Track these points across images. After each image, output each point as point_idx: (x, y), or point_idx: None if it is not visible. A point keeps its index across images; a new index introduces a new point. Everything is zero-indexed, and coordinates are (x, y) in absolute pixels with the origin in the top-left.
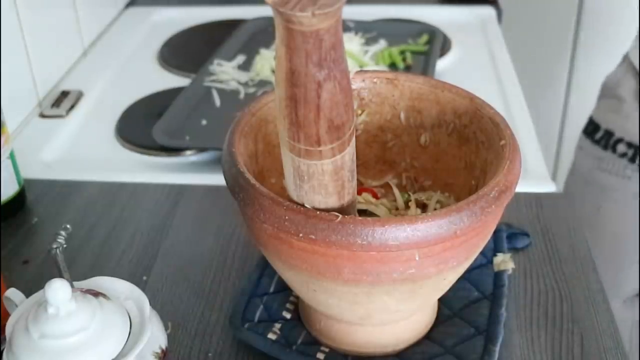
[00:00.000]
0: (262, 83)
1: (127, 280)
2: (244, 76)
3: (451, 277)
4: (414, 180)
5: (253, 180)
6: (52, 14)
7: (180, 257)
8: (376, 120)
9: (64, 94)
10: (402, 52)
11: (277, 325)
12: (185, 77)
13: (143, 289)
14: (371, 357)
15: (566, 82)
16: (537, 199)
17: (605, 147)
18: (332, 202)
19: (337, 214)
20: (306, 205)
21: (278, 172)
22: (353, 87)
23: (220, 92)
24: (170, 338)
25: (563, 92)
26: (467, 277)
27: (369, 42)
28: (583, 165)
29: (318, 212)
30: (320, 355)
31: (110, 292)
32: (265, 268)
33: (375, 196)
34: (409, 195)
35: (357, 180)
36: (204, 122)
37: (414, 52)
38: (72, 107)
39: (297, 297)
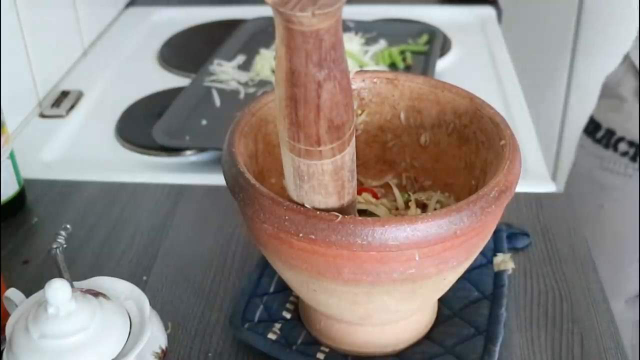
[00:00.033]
0: (262, 83)
1: (127, 280)
2: (244, 76)
3: (451, 277)
4: (414, 180)
5: (253, 180)
6: (52, 14)
7: (180, 257)
8: (376, 120)
9: (64, 94)
10: (402, 52)
11: (277, 325)
12: (185, 77)
13: (143, 289)
14: (371, 357)
15: (566, 82)
16: (537, 199)
17: (606, 146)
18: (332, 202)
19: (337, 214)
20: (306, 205)
21: (278, 172)
22: (353, 87)
23: (220, 92)
24: (170, 338)
25: (563, 92)
26: (467, 277)
27: (369, 42)
28: (584, 165)
29: (318, 212)
30: (320, 355)
31: (110, 292)
32: (265, 268)
33: (375, 196)
34: (409, 195)
35: (357, 180)
36: (204, 122)
37: (414, 52)
38: (72, 107)
39: (297, 297)
